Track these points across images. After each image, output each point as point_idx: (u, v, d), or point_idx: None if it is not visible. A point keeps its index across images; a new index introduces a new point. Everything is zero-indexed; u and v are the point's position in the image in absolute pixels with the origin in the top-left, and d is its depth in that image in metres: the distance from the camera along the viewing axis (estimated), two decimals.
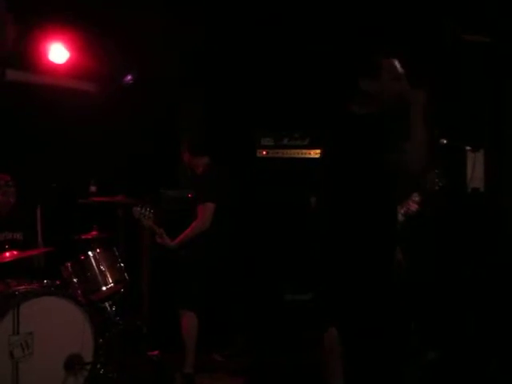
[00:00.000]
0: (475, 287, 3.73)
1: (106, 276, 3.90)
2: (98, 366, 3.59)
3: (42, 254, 4.08)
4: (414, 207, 3.29)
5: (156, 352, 4.29)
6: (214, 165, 4.03)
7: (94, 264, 3.88)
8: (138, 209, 3.92)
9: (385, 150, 2.40)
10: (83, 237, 4.08)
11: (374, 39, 4.12)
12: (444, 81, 4.06)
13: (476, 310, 3.69)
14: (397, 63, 2.54)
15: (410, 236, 3.35)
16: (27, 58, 4.85)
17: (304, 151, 4.50)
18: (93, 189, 4.17)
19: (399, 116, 2.47)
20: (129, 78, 5.22)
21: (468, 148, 3.64)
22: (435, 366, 3.56)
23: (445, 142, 3.30)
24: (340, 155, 2.56)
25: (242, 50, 4.81)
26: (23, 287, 3.48)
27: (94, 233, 4.11)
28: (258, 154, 4.57)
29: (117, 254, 4.05)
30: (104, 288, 3.87)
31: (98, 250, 3.94)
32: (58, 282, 3.75)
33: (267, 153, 4.53)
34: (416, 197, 3.35)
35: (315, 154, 4.46)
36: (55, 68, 4.96)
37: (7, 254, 3.56)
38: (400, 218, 3.25)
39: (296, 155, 4.51)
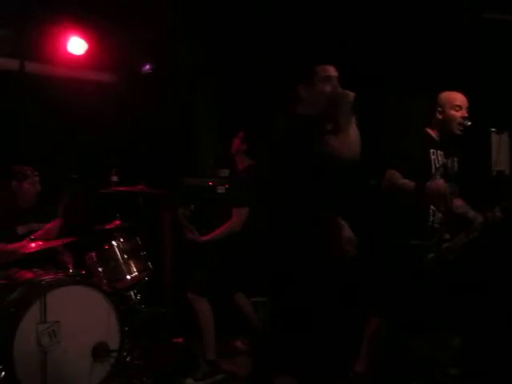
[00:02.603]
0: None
1: (129, 265, 3.93)
2: (124, 353, 3.63)
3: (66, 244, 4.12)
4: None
5: (180, 339, 4.33)
6: (252, 166, 4.01)
7: (118, 253, 3.92)
8: (182, 210, 3.96)
9: (316, 146, 2.61)
10: (106, 226, 4.11)
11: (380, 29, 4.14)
12: (466, 62, 3.99)
13: None
14: (330, 68, 2.79)
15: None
16: (46, 50, 4.88)
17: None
18: (114, 179, 4.18)
19: (331, 116, 2.68)
20: (147, 67, 5.23)
21: (493, 130, 3.58)
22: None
23: (469, 123, 3.24)
24: (277, 155, 2.79)
25: (259, 39, 4.78)
26: (49, 276, 3.53)
27: (117, 222, 4.14)
28: None
29: (139, 242, 4.08)
30: (128, 277, 3.91)
31: (121, 240, 3.97)
32: (83, 272, 3.80)
33: None
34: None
35: None
36: (74, 60, 4.98)
37: (33, 244, 3.60)
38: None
39: None
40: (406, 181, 3.13)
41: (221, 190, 4.71)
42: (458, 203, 3.33)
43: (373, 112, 3.92)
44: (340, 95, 2.66)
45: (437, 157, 3.29)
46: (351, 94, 2.63)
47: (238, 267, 3.85)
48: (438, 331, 3.41)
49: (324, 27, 4.46)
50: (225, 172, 4.91)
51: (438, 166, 3.26)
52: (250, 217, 3.81)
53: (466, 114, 3.26)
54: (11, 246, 3.63)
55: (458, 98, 3.30)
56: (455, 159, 3.35)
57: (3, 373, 3.11)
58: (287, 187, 2.72)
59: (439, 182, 3.09)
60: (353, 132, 2.62)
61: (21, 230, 3.92)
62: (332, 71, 2.79)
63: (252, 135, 4.06)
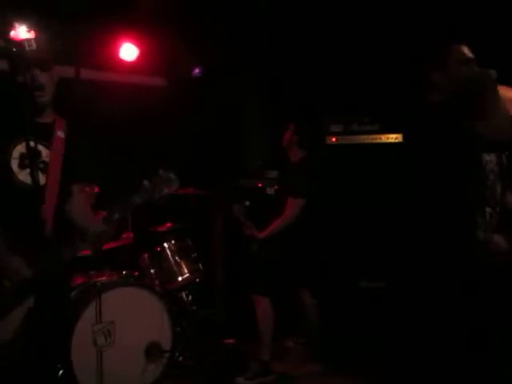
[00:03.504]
0: None
1: (181, 266, 4.00)
2: (176, 353, 3.68)
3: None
4: None
5: (231, 340, 4.37)
6: (307, 159, 4.01)
7: (170, 255, 3.99)
8: (238, 206, 3.99)
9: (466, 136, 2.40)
10: (158, 229, 4.20)
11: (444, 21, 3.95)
12: None
13: None
14: (464, 48, 2.55)
15: None
16: (99, 57, 5.02)
17: (375, 136, 4.39)
18: None
19: (471, 98, 2.44)
20: (197, 71, 5.29)
21: None
22: None
23: None
24: (427, 145, 2.58)
25: (306, 36, 4.75)
26: (104, 278, 3.63)
27: (169, 224, 4.21)
28: (328, 141, 4.50)
29: (190, 244, 4.13)
30: (180, 278, 3.97)
31: (172, 242, 4.04)
32: (136, 273, 3.89)
33: (337, 139, 4.44)
34: None
35: (386, 139, 4.34)
36: (126, 65, 5.11)
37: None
38: None
39: (366, 141, 4.41)
40: None
41: (270, 191, 4.71)
42: None
43: None
44: (482, 75, 2.41)
45: None
46: (494, 73, 2.38)
47: (301, 261, 3.85)
48: None
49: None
50: (273, 173, 4.91)
51: None
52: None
53: None
54: None
55: None
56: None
57: (61, 371, 3.22)
58: (447, 183, 2.53)
59: None
60: (501, 112, 2.39)
61: None
62: (468, 51, 2.55)
63: (302, 126, 4.05)
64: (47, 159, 2.51)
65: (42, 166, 2.49)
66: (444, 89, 2.55)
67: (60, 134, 2.60)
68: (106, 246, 3.84)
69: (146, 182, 2.58)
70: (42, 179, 2.45)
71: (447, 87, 2.54)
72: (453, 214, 2.50)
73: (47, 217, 2.42)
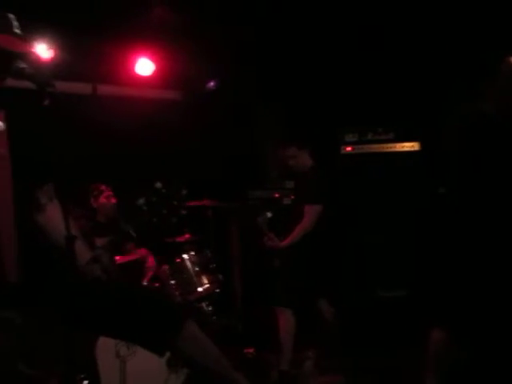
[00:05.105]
0: None
1: (200, 277, 4.03)
2: None
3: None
4: None
5: (251, 349, 4.39)
6: (317, 166, 4.06)
7: (190, 266, 4.03)
8: (261, 218, 4.03)
9: None
10: (177, 240, 4.25)
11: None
12: None
13: None
14: None
15: None
16: (116, 73, 5.11)
17: (390, 145, 4.42)
18: (184, 192, 4.32)
19: None
20: (212, 84, 5.37)
21: None
22: None
23: None
24: (473, 154, 2.53)
25: (320, 46, 4.80)
26: None
27: (187, 236, 4.26)
28: (343, 151, 4.54)
29: (209, 255, 4.18)
30: (200, 289, 4.00)
31: (192, 253, 4.08)
32: (156, 284, 3.94)
33: (353, 149, 4.48)
34: None
35: (401, 147, 4.37)
36: (142, 80, 5.19)
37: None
38: None
39: (381, 150, 4.44)
40: None
41: (287, 201, 4.75)
42: None
43: None
44: None
45: None
46: None
47: (320, 271, 3.87)
48: None
49: None
50: (290, 183, 4.94)
51: None
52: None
53: None
54: None
55: None
56: None
57: (86, 381, 3.26)
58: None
59: None
60: None
61: (99, 242, 4.12)
62: None
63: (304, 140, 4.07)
64: None
65: None
66: (496, 100, 2.53)
67: None
68: (126, 258, 3.91)
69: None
70: None
71: (499, 99, 2.52)
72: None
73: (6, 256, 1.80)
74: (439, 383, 2.84)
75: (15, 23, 1.88)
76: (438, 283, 2.57)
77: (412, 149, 4.34)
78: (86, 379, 3.23)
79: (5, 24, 1.86)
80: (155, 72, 5.15)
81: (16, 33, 1.88)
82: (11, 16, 1.89)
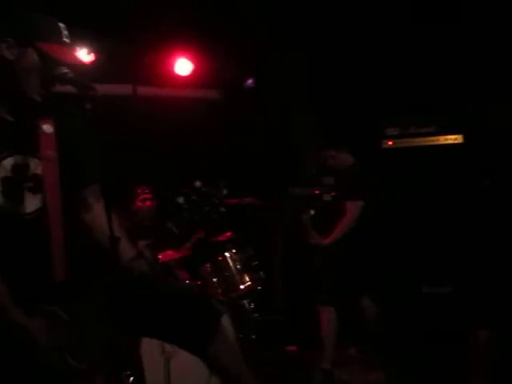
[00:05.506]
0: None
1: (242, 275, 4.04)
2: None
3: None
4: None
5: (294, 347, 4.38)
6: (358, 163, 4.04)
7: (231, 264, 4.04)
8: (305, 215, 4.04)
9: None
10: (219, 238, 4.27)
11: None
12: None
13: None
14: None
15: None
16: (155, 73, 5.18)
17: (432, 139, 4.33)
18: (225, 192, 4.34)
19: None
20: (249, 81, 5.38)
21: None
22: None
23: None
24: None
25: (359, 37, 4.74)
26: None
27: (228, 234, 4.28)
28: (384, 145, 4.47)
29: (251, 253, 4.18)
30: (242, 286, 4.02)
31: (233, 251, 4.09)
32: (198, 283, 3.97)
33: (394, 143, 4.41)
34: None
35: (445, 140, 4.28)
36: (181, 80, 5.24)
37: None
38: None
39: (424, 143, 4.35)
40: None
41: (327, 197, 4.72)
42: None
43: None
44: None
45: None
46: None
47: (363, 268, 3.84)
48: None
49: None
50: (329, 179, 4.91)
51: None
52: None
53: None
54: None
55: None
56: None
57: (132, 378, 3.32)
58: None
59: None
60: None
61: (141, 245, 4.18)
62: None
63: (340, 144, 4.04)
64: (38, 171, 1.88)
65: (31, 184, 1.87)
66: None
67: (46, 128, 1.92)
68: (167, 258, 3.95)
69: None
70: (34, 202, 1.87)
71: None
72: None
73: (56, 254, 1.87)
74: (484, 383, 2.77)
75: (65, 32, 1.91)
76: (484, 280, 2.50)
77: (455, 141, 4.24)
78: (131, 376, 3.29)
79: (55, 33, 1.89)
80: (194, 72, 5.19)
81: (65, 42, 1.90)
82: (61, 25, 1.91)
